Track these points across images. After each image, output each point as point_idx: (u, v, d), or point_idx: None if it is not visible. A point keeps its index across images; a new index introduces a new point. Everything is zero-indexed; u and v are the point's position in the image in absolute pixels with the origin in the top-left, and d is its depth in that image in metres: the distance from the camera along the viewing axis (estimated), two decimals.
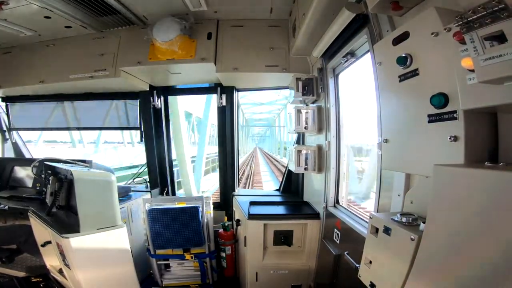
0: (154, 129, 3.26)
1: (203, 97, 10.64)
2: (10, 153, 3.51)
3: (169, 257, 2.77)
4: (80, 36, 2.78)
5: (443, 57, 0.87)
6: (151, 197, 3.06)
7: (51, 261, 2.08)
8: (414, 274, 0.91)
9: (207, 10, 2.42)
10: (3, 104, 3.41)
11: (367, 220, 1.47)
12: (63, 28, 2.65)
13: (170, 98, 3.42)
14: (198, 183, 8.25)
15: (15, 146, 3.55)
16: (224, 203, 3.34)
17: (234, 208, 3.09)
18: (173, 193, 3.52)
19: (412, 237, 0.93)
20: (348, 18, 1.66)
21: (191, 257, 2.72)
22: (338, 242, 2.04)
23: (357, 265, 1.35)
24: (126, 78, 2.69)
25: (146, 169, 3.41)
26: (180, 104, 5.93)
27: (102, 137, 17.65)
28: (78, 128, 3.56)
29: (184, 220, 2.62)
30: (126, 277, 2.02)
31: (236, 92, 3.20)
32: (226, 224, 2.93)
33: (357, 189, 4.14)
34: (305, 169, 2.45)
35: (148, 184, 3.33)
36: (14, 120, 3.45)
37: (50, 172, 2.09)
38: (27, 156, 3.61)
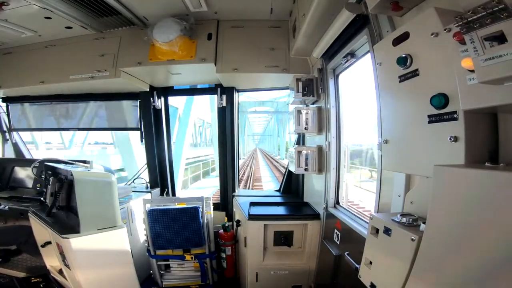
0: (154, 130, 3.26)
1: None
2: (10, 154, 3.51)
3: (169, 258, 2.77)
4: (81, 36, 2.79)
5: (443, 57, 0.87)
6: (151, 197, 3.06)
7: (51, 262, 2.08)
8: (415, 275, 0.91)
9: (207, 11, 2.42)
10: (4, 104, 3.41)
11: (367, 221, 1.47)
12: (63, 29, 2.65)
13: None
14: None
15: (16, 146, 3.56)
16: (224, 203, 3.33)
17: (234, 209, 3.09)
18: (173, 194, 3.52)
19: (413, 237, 0.93)
20: (348, 19, 1.67)
21: (191, 258, 2.72)
22: (338, 242, 2.04)
23: (357, 266, 1.34)
24: (126, 79, 2.69)
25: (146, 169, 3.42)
26: None
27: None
28: (79, 129, 3.56)
29: (184, 220, 2.61)
30: (126, 277, 2.02)
31: (236, 93, 3.20)
32: (226, 225, 2.93)
33: None
34: (305, 169, 2.45)
35: (148, 184, 3.34)
36: (14, 121, 3.46)
37: (50, 172, 2.09)
38: (28, 156, 3.62)
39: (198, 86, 3.45)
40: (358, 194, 7.73)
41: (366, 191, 7.95)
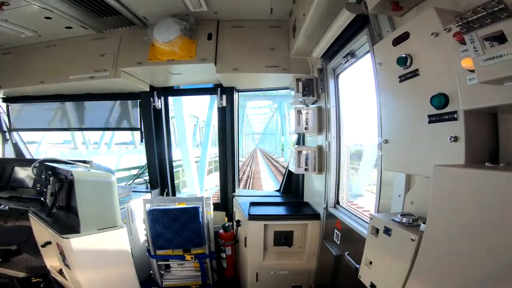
0: (155, 130, 3.27)
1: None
2: (10, 154, 3.51)
3: (169, 258, 2.77)
4: (81, 36, 2.79)
5: (443, 57, 0.87)
6: (151, 197, 3.06)
7: (51, 262, 2.08)
8: (415, 275, 0.91)
9: (207, 11, 2.42)
10: (4, 104, 3.41)
11: (368, 221, 1.47)
12: (63, 29, 2.65)
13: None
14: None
15: (16, 146, 3.56)
16: (225, 203, 3.33)
17: (234, 209, 3.09)
18: (173, 194, 3.52)
19: (413, 237, 0.93)
20: (348, 19, 1.67)
21: (192, 258, 2.72)
22: (338, 242, 2.04)
23: (357, 266, 1.34)
24: (126, 79, 2.69)
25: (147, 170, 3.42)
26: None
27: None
28: (79, 129, 3.56)
29: (184, 220, 2.61)
30: (126, 277, 2.02)
31: (236, 93, 3.20)
32: (226, 225, 2.93)
33: None
34: (306, 169, 2.45)
35: (149, 184, 3.34)
36: (15, 121, 3.46)
37: (50, 172, 2.09)
38: (28, 156, 3.62)
39: (198, 86, 3.45)
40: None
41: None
